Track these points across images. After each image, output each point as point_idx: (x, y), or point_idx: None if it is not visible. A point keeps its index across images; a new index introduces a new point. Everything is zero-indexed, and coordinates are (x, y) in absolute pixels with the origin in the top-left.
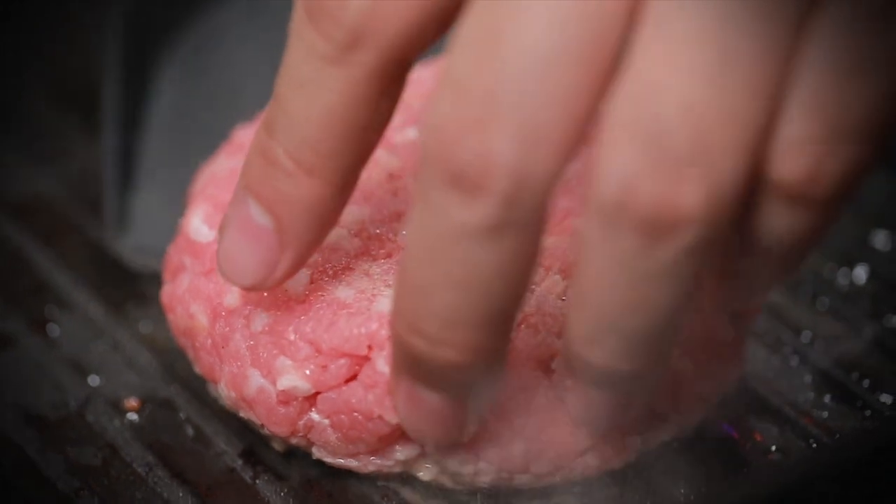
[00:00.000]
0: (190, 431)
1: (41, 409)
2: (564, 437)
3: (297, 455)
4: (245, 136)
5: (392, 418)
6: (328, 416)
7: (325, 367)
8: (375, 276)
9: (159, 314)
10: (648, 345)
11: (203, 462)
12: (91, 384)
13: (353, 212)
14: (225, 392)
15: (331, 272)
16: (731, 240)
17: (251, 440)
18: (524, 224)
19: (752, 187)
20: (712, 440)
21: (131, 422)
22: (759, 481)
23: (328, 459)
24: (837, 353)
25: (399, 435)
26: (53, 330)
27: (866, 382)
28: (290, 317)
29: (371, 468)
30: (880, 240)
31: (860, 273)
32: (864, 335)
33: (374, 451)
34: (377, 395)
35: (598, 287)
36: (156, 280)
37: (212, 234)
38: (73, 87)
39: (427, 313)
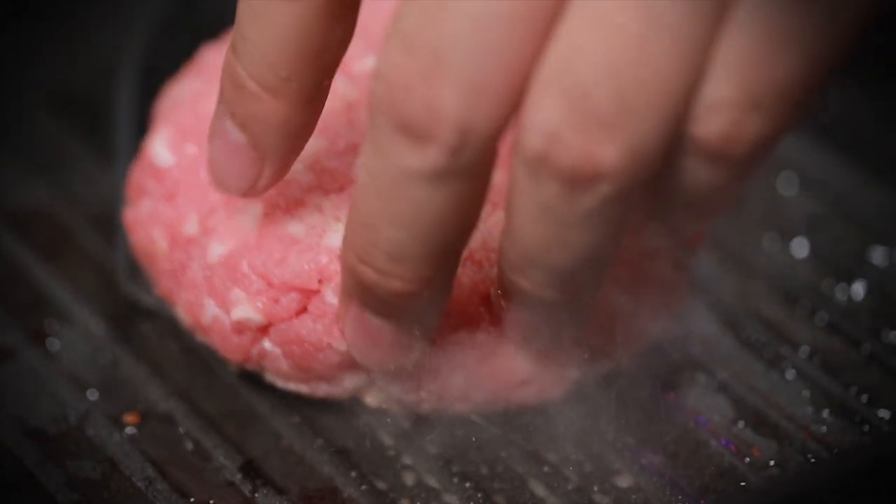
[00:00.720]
0: (189, 445)
1: (41, 422)
2: (503, 370)
3: (296, 469)
4: (210, 56)
5: (341, 347)
6: (280, 346)
7: (276, 300)
8: (327, 211)
9: (160, 329)
10: (571, 280)
11: (202, 476)
12: (90, 398)
13: (308, 144)
14: (182, 317)
15: (283, 206)
16: (654, 189)
17: (251, 454)
18: (468, 171)
19: (675, 143)
20: (711, 455)
21: (131, 436)
22: (758, 496)
23: (280, 384)
24: (836, 368)
25: (348, 364)
26: (53, 344)
27: (864, 397)
28: (244, 250)
29: (321, 393)
30: (878, 256)
31: (858, 289)
32: (863, 350)
33: (324, 379)
34: (326, 326)
35: (523, 225)
36: (155, 294)
37: (173, 159)
38: (75, 97)
39: (375, 247)
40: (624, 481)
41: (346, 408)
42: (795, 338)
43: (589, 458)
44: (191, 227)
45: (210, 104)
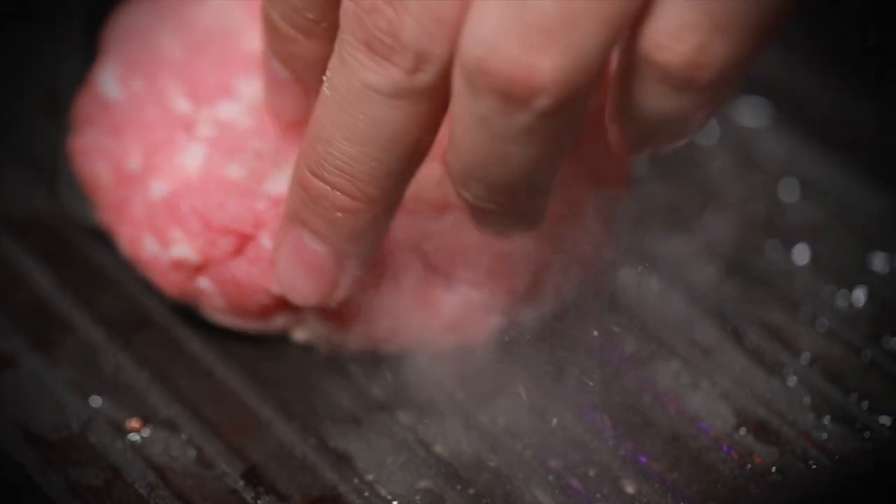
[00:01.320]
0: (192, 452)
1: (42, 429)
2: (428, 316)
3: (298, 475)
4: None
5: (275, 290)
6: (215, 285)
7: (214, 242)
8: (266, 157)
9: (161, 336)
10: (511, 195)
11: (205, 483)
12: (93, 405)
13: (252, 85)
14: (122, 248)
15: (225, 149)
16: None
17: (253, 460)
18: (424, 93)
19: (638, 71)
20: (712, 462)
21: (133, 443)
22: (760, 503)
23: (216, 319)
24: (837, 374)
25: (280, 305)
26: (55, 350)
27: (865, 404)
28: (186, 191)
29: (252, 329)
30: (879, 262)
31: (859, 295)
32: (864, 357)
33: (256, 317)
34: (261, 270)
35: (463, 138)
36: (156, 300)
37: (120, 92)
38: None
39: (328, 160)
40: (627, 487)
41: (348, 414)
42: (796, 344)
43: (591, 464)
44: (134, 163)
45: (161, 39)
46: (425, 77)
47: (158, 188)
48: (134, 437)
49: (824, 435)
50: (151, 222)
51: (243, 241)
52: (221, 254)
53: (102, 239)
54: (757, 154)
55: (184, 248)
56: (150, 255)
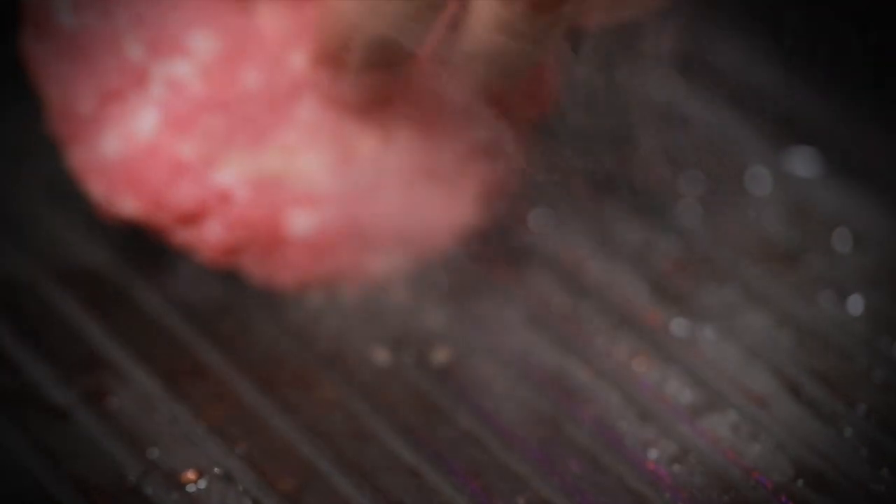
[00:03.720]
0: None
1: (99, 482)
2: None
3: None
4: None
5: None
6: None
7: (159, 213)
8: (216, 137)
9: (217, 386)
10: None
11: None
12: (149, 457)
13: (206, 40)
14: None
15: (177, 122)
16: None
17: None
18: None
19: None
20: None
21: (189, 494)
22: None
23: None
24: (893, 426)
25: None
26: (110, 402)
27: None
28: (139, 159)
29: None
30: None
31: None
32: None
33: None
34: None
35: None
36: (211, 348)
37: (73, 21)
38: None
39: None
40: None
41: (405, 466)
42: (852, 395)
43: None
44: (86, 106)
45: None
46: None
47: (111, 145)
48: (190, 488)
49: (882, 487)
50: (103, 174)
51: (188, 220)
52: (166, 224)
53: (153, 286)
54: (810, 204)
55: (131, 208)
56: (97, 194)
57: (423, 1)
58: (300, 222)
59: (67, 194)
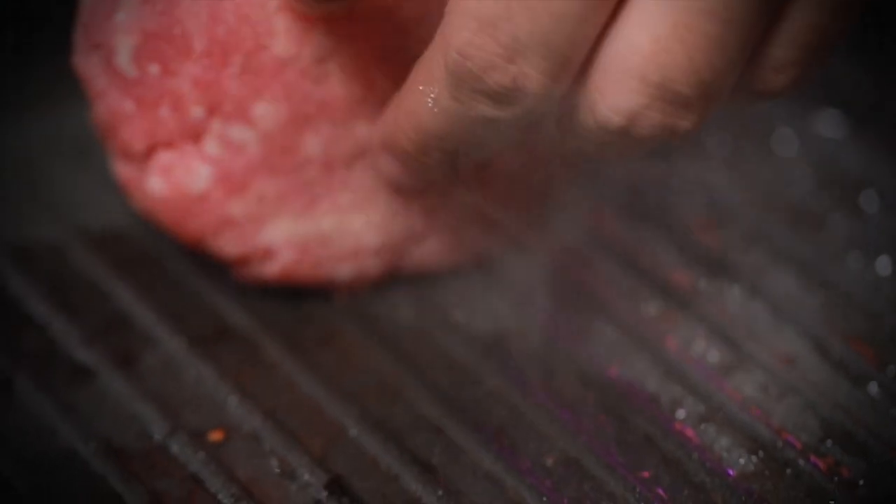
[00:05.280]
0: (274, 463)
1: (124, 440)
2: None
3: (382, 486)
4: None
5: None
6: None
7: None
8: (268, 202)
9: (242, 347)
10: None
11: (288, 494)
12: (174, 416)
13: (271, 109)
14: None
15: (230, 183)
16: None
17: (336, 471)
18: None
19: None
20: (800, 473)
21: (216, 453)
22: None
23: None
24: None
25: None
26: (136, 363)
27: None
28: (184, 209)
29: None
30: None
31: None
32: None
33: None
34: None
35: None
36: (239, 313)
37: (135, 71)
38: None
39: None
40: (716, 500)
41: (431, 424)
42: (881, 356)
43: (679, 477)
44: (137, 147)
45: (185, 18)
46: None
47: (157, 186)
48: (216, 447)
49: None
50: (148, 208)
51: (231, 263)
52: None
53: (181, 250)
54: (836, 165)
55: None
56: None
57: (514, 121)
58: (343, 272)
59: (95, 156)
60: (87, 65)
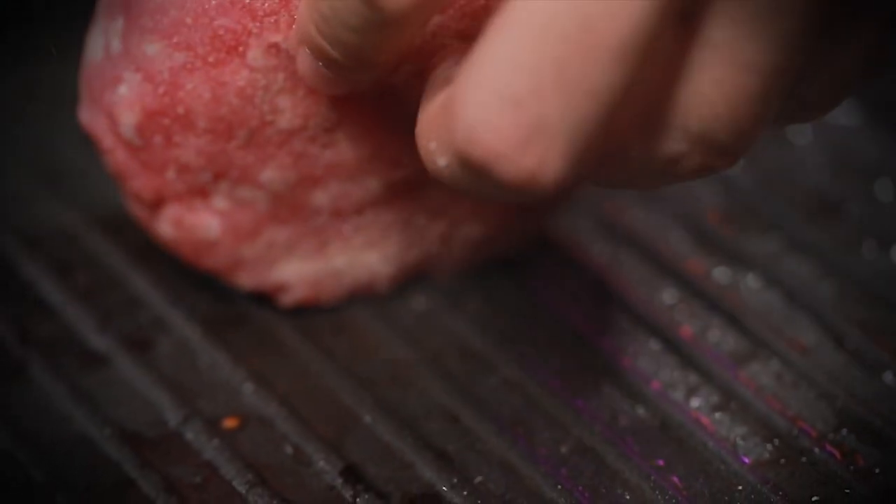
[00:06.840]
0: (289, 450)
1: (139, 427)
2: None
3: (397, 473)
4: None
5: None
6: None
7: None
8: (281, 244)
9: (257, 334)
10: None
11: (303, 481)
12: (189, 402)
13: (278, 171)
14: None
15: (239, 232)
16: None
17: (351, 458)
18: None
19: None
20: (815, 462)
21: (230, 440)
22: None
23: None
24: None
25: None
26: (150, 349)
27: None
28: (196, 249)
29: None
30: None
31: None
32: None
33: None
34: None
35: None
36: (252, 298)
37: (138, 141)
38: None
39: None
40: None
41: (446, 412)
42: None
43: (696, 465)
44: (145, 195)
45: (187, 82)
46: None
47: (169, 231)
48: (231, 434)
49: None
50: (162, 245)
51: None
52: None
53: None
54: (851, 153)
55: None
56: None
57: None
58: (356, 300)
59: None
60: (92, 123)
